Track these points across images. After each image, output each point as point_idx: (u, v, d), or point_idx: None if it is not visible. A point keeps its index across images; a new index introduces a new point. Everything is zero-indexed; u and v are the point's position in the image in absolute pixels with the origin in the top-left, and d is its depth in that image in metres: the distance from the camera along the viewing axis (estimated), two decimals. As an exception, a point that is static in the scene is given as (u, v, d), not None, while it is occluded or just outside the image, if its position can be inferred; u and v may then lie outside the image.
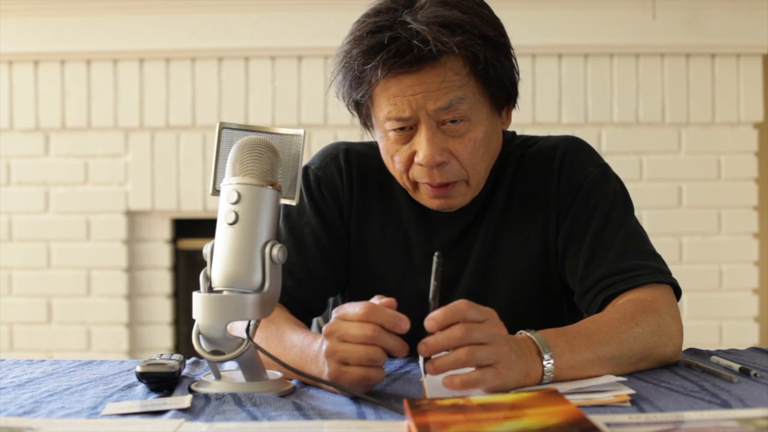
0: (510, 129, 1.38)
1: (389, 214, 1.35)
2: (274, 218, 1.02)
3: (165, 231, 3.10)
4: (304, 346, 1.07)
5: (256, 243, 0.99)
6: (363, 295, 1.04)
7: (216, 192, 1.05)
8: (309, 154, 1.47)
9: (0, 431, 0.84)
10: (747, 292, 3.03)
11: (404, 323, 0.95)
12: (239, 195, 0.99)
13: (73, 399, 1.00)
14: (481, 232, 1.32)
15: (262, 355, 1.02)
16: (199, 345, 1.00)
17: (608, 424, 0.81)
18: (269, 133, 1.07)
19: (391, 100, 1.18)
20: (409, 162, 1.22)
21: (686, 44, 2.99)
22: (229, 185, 1.00)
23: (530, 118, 2.99)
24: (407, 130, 1.20)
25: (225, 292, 0.99)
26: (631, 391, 0.96)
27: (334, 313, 0.99)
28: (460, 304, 0.95)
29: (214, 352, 1.00)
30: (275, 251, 0.99)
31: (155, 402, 0.95)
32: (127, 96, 3.04)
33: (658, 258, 1.25)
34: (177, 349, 3.13)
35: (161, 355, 1.10)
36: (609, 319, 1.11)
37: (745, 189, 3.03)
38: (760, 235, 3.08)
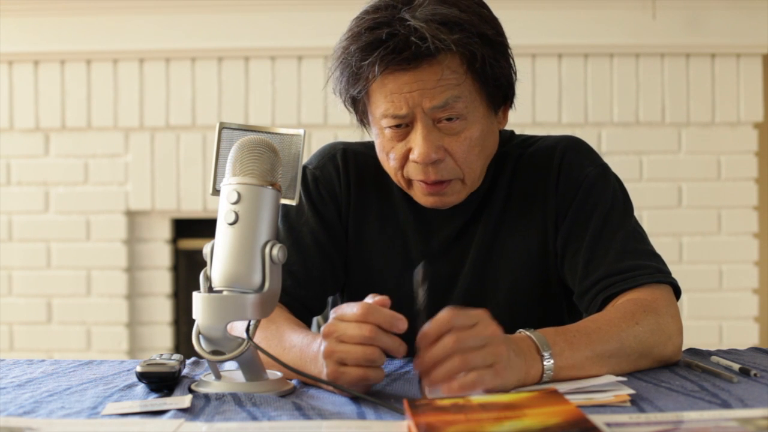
0: (510, 129, 1.38)
1: (387, 213, 1.35)
2: (274, 218, 1.02)
3: (165, 231, 3.10)
4: (303, 346, 1.07)
5: (256, 243, 0.99)
6: (362, 295, 1.04)
7: (216, 192, 1.05)
8: (309, 154, 1.47)
9: (0, 431, 0.84)
10: (747, 292, 3.03)
11: (402, 323, 0.95)
12: (239, 195, 0.99)
13: (73, 399, 1.00)
14: (480, 232, 1.32)
15: (262, 355, 1.02)
16: (199, 345, 1.00)
17: (608, 424, 0.81)
18: (269, 133, 1.07)
19: (388, 97, 1.18)
20: (404, 159, 1.22)
21: (686, 44, 2.99)
22: (229, 185, 1.00)
23: (530, 118, 2.99)
24: (403, 127, 1.20)
25: (225, 292, 0.99)
26: (631, 391, 0.96)
27: (333, 314, 0.99)
28: (445, 314, 0.94)
29: (214, 352, 1.00)
30: (275, 251, 0.99)
31: (155, 402, 0.95)
32: (127, 96, 3.04)
33: (657, 258, 1.24)
34: (177, 349, 3.13)
35: (161, 355, 1.10)
36: (609, 317, 1.11)
37: (745, 189, 3.03)
38: (760, 235, 3.08)
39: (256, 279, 0.99)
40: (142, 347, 3.07)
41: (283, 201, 1.05)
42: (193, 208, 3.04)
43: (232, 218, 0.99)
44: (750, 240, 3.04)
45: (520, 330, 1.04)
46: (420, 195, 1.26)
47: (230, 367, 1.13)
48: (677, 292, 1.22)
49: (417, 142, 1.19)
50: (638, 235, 1.27)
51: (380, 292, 1.00)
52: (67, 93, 3.04)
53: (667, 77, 3.02)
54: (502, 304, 1.30)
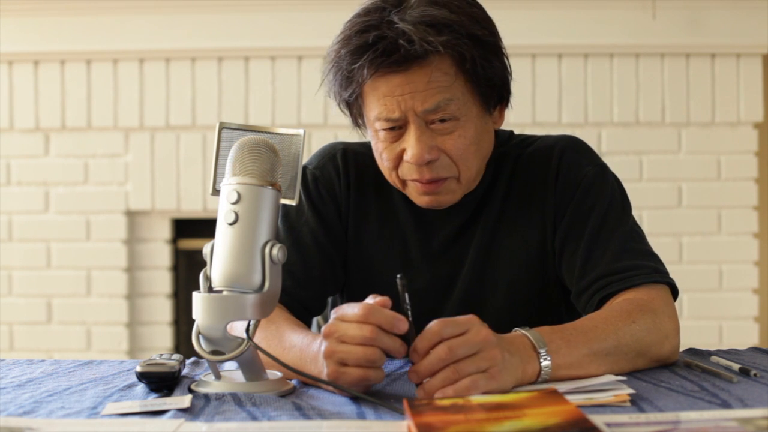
0: (509, 129, 1.38)
1: (387, 213, 1.35)
2: (274, 218, 1.02)
3: (165, 231, 3.10)
4: (303, 346, 1.07)
5: (256, 243, 0.99)
6: (361, 295, 1.04)
7: (216, 192, 1.05)
8: (309, 154, 1.47)
9: (0, 431, 0.84)
10: (747, 292, 3.03)
11: (402, 324, 0.95)
12: (239, 195, 0.99)
13: (73, 399, 1.00)
14: (479, 232, 1.32)
15: (262, 355, 1.02)
16: (199, 345, 1.00)
17: (608, 424, 0.81)
18: (269, 133, 1.07)
19: (380, 100, 1.18)
20: (398, 159, 1.23)
21: (686, 44, 2.99)
22: (229, 185, 1.00)
23: (530, 118, 2.99)
24: (397, 129, 1.21)
25: (225, 292, 0.99)
26: (631, 391, 0.95)
27: (333, 314, 0.99)
28: (434, 326, 0.95)
29: (214, 352, 1.00)
30: (275, 251, 0.99)
31: (155, 402, 0.95)
32: (127, 96, 3.04)
33: (655, 258, 1.24)
34: (177, 349, 3.13)
35: (161, 355, 1.10)
36: (605, 316, 1.11)
37: (745, 189, 3.03)
38: (760, 235, 3.08)
39: (256, 279, 0.99)
40: (142, 347, 3.07)
41: (283, 201, 1.05)
42: (193, 208, 3.04)
43: (232, 218, 0.99)
44: (750, 240, 3.04)
45: (516, 329, 1.04)
46: (415, 195, 1.26)
47: (230, 367, 1.13)
48: (675, 292, 1.22)
49: (410, 144, 1.19)
50: (636, 234, 1.27)
51: (380, 293, 1.00)
52: (67, 93, 3.04)
53: (667, 77, 3.02)
54: (501, 304, 1.31)
